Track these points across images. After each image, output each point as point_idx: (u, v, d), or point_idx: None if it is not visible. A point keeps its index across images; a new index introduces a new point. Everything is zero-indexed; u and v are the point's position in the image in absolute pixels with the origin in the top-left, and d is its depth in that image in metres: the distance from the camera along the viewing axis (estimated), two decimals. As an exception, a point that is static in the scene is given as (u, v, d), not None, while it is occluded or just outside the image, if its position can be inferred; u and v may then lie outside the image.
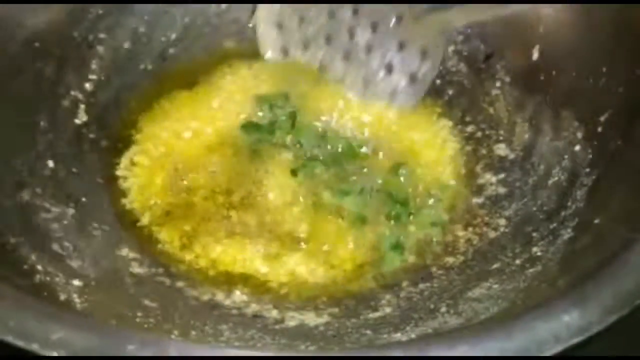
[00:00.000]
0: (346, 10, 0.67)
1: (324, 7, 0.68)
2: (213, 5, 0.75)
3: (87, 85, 0.67)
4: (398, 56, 0.66)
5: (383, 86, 0.67)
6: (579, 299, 0.40)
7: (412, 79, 0.66)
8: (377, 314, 0.53)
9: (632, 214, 0.49)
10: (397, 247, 0.60)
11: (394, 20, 0.66)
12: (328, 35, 0.69)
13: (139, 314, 0.49)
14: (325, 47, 0.69)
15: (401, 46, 0.66)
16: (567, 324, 0.39)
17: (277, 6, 0.70)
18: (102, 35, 0.69)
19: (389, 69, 0.67)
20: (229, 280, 0.57)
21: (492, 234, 0.59)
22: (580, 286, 0.41)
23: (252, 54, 0.73)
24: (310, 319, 0.53)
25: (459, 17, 0.64)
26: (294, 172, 0.63)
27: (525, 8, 0.65)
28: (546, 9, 0.66)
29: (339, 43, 0.69)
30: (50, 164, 0.60)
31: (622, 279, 0.41)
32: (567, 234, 0.54)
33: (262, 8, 0.71)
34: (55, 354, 0.36)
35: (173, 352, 0.37)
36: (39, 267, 0.49)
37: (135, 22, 0.71)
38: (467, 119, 0.69)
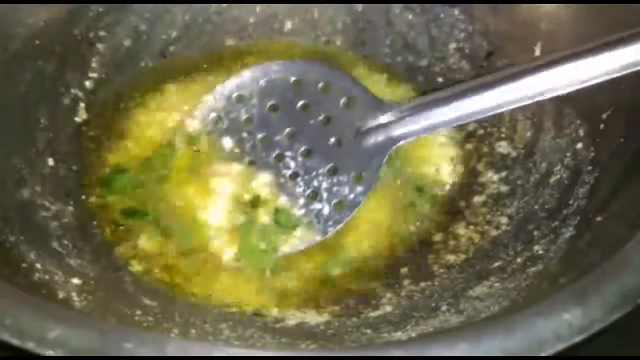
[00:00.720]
0: (282, 133, 0.61)
1: (265, 128, 0.62)
2: (214, 4, 0.74)
3: (88, 83, 0.67)
4: (327, 182, 0.60)
5: (304, 212, 0.59)
6: (580, 297, 0.40)
7: (338, 205, 0.59)
8: (377, 313, 0.53)
9: (634, 212, 0.49)
10: (421, 189, 0.63)
11: (332, 141, 0.60)
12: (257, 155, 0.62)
13: (138, 312, 0.49)
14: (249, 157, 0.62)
15: (333, 171, 0.60)
16: (569, 322, 0.38)
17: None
18: (102, 33, 0.69)
19: (314, 195, 0.60)
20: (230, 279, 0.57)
21: (494, 232, 0.59)
22: (581, 284, 0.41)
23: (253, 52, 0.73)
24: (311, 317, 0.53)
25: (408, 133, 0.58)
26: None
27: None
28: (547, 7, 0.66)
29: (264, 163, 0.62)
30: (50, 161, 0.59)
31: (624, 277, 0.41)
32: (568, 232, 0.53)
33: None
34: (51, 352, 0.35)
35: (172, 351, 0.36)
36: (38, 265, 0.49)
37: (135, 20, 0.71)
38: (469, 116, 0.69)
